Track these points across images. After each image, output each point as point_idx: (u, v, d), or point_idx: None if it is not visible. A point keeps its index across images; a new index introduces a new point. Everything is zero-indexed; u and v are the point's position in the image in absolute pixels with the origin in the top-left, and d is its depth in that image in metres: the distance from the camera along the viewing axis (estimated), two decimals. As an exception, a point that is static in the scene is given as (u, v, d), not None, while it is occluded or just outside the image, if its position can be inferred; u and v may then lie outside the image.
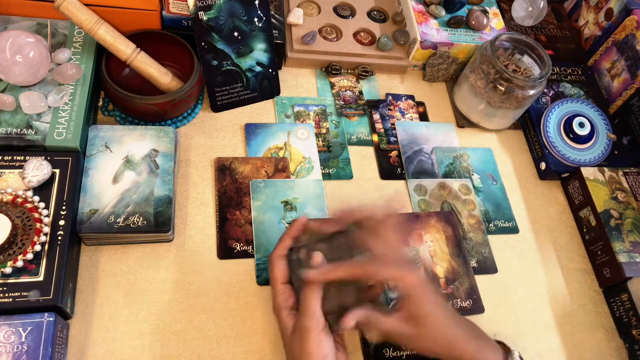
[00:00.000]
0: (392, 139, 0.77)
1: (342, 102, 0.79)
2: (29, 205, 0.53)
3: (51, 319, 0.49)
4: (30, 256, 0.50)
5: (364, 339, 0.60)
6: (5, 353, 0.46)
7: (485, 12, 0.85)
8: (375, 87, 0.83)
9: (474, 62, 0.78)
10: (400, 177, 0.74)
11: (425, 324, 0.49)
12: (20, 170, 0.55)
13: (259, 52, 0.72)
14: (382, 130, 0.78)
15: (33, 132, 0.58)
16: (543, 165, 0.79)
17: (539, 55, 0.78)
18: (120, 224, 0.57)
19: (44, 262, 0.51)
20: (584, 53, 0.93)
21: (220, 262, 0.62)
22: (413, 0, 0.85)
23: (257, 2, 0.68)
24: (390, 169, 0.74)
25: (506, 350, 0.52)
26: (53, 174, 0.56)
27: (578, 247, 0.74)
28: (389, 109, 0.80)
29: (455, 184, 0.74)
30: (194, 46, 0.67)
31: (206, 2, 0.65)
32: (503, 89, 0.74)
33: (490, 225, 0.72)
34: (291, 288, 0.53)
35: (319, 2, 0.84)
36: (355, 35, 0.83)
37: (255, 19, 0.69)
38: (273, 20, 0.76)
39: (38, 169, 0.54)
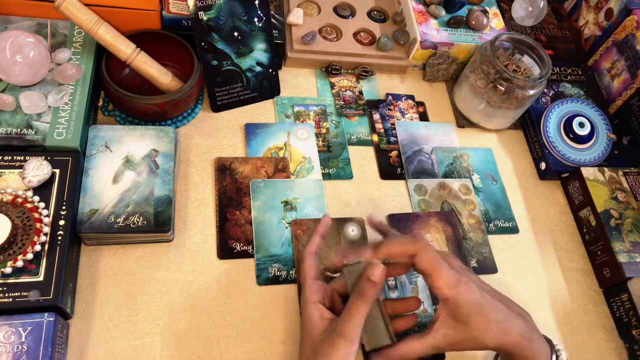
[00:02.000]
0: (392, 139, 0.77)
1: (342, 102, 0.79)
2: (29, 205, 0.53)
3: (51, 319, 0.49)
4: (30, 256, 0.50)
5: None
6: (5, 353, 0.46)
7: (485, 12, 0.85)
8: (375, 87, 0.83)
9: (474, 62, 0.78)
10: (400, 177, 0.74)
11: (473, 322, 0.49)
12: (20, 170, 0.55)
13: (259, 52, 0.72)
14: (382, 130, 0.78)
15: (33, 132, 0.58)
16: (543, 165, 0.79)
17: (539, 55, 0.78)
18: (120, 224, 0.57)
19: (44, 262, 0.51)
20: (584, 53, 0.93)
21: (220, 262, 0.62)
22: (413, 0, 0.85)
23: (257, 2, 0.68)
24: (390, 169, 0.74)
25: (552, 346, 0.52)
26: (53, 174, 0.56)
27: (578, 247, 0.74)
28: (389, 109, 0.80)
29: (455, 184, 0.74)
30: (194, 46, 0.67)
31: (206, 2, 0.65)
32: (503, 89, 0.74)
33: (490, 225, 0.72)
34: (321, 284, 0.53)
35: (319, 2, 0.84)
36: (355, 35, 0.83)
37: (255, 19, 0.69)
38: (273, 20, 0.76)
39: (38, 169, 0.54)
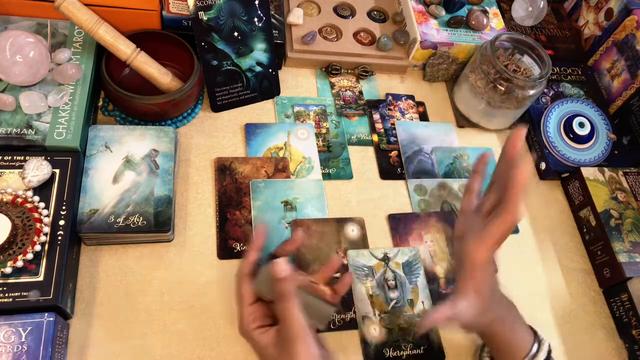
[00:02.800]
0: (392, 139, 0.77)
1: (342, 102, 0.79)
2: (29, 205, 0.53)
3: (51, 319, 0.49)
4: (30, 256, 0.50)
5: (363, 339, 0.60)
6: (5, 353, 0.46)
7: (485, 12, 0.85)
8: (375, 87, 0.83)
9: (474, 62, 0.78)
10: (400, 177, 0.74)
11: (486, 292, 0.51)
12: (20, 170, 0.55)
13: (259, 52, 0.72)
14: (382, 130, 0.78)
15: (33, 132, 0.58)
16: (543, 165, 0.79)
17: (539, 55, 0.78)
18: (120, 224, 0.57)
19: (44, 262, 0.51)
20: (584, 53, 0.93)
21: (220, 262, 0.62)
22: (413, 0, 0.85)
23: (257, 2, 0.68)
24: (390, 169, 0.74)
25: (535, 335, 0.54)
26: (53, 174, 0.56)
27: (578, 247, 0.74)
28: (389, 109, 0.80)
29: (455, 184, 0.74)
30: (194, 46, 0.67)
31: (206, 2, 0.65)
32: (503, 89, 0.74)
33: (490, 225, 0.72)
34: (259, 305, 0.51)
35: (319, 2, 0.84)
36: (355, 35, 0.83)
37: (255, 19, 0.69)
38: (273, 20, 0.76)
39: (38, 169, 0.54)
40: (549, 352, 0.53)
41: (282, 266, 0.48)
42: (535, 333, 0.54)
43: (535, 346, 0.52)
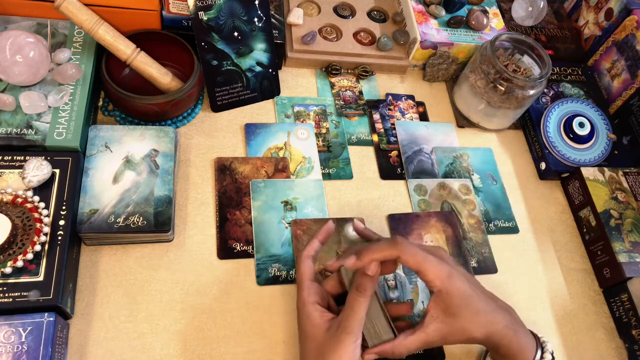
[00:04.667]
0: (392, 139, 0.77)
1: (342, 102, 0.79)
2: (29, 205, 0.53)
3: (51, 319, 0.49)
4: (30, 256, 0.50)
5: (363, 339, 0.60)
6: (5, 353, 0.46)
7: (485, 12, 0.85)
8: (375, 87, 0.83)
9: (474, 62, 0.78)
10: (400, 177, 0.74)
11: (462, 314, 0.50)
12: (20, 170, 0.55)
13: (259, 52, 0.72)
14: (382, 130, 0.78)
15: (33, 132, 0.58)
16: (543, 165, 0.79)
17: (539, 55, 0.78)
18: (120, 224, 0.57)
19: (44, 262, 0.51)
20: (584, 53, 0.93)
21: (220, 262, 0.62)
22: (413, 0, 0.85)
23: (257, 2, 0.68)
24: (390, 169, 0.74)
25: (537, 340, 0.54)
26: (53, 174, 0.56)
27: (578, 247, 0.74)
28: (389, 109, 0.80)
29: (455, 184, 0.74)
30: (194, 46, 0.67)
31: (206, 2, 0.65)
32: (503, 89, 0.74)
33: (490, 225, 0.72)
34: (318, 286, 0.54)
35: (319, 2, 0.84)
36: (355, 35, 0.83)
37: (255, 19, 0.69)
38: (273, 20, 0.76)
39: (38, 169, 0.54)
40: (552, 355, 0.53)
41: (374, 266, 0.50)
42: (536, 337, 0.54)
43: (539, 352, 0.52)
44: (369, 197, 0.71)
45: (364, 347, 0.52)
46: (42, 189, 0.55)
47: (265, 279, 0.61)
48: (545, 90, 0.85)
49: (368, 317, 0.51)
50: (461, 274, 0.52)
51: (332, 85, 0.80)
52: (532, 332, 0.55)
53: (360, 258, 0.51)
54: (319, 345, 0.49)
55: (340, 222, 0.67)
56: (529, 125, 0.83)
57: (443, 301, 0.50)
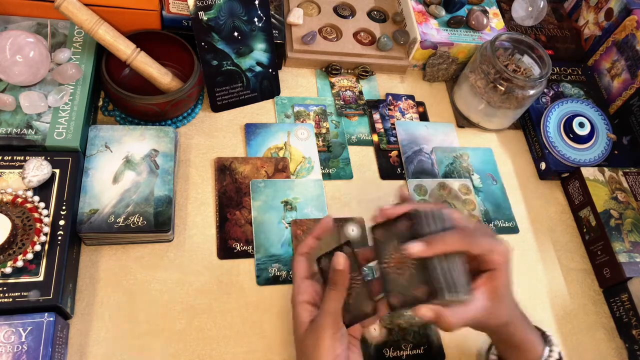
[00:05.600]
0: (392, 139, 0.77)
1: (342, 102, 0.79)
2: (29, 205, 0.53)
3: (51, 319, 0.49)
4: (30, 256, 0.50)
5: (363, 339, 0.60)
6: (5, 353, 0.46)
7: (485, 12, 0.85)
8: (375, 87, 0.83)
9: (474, 62, 0.78)
10: (400, 177, 0.74)
11: (504, 299, 0.49)
12: (20, 170, 0.55)
13: (259, 52, 0.72)
14: (382, 130, 0.78)
15: (33, 132, 0.58)
16: (543, 165, 0.79)
17: (539, 55, 0.78)
18: (120, 224, 0.57)
19: (44, 262, 0.51)
20: (584, 53, 0.93)
21: (220, 262, 0.62)
22: (413, 0, 0.85)
23: (257, 2, 0.68)
24: (390, 169, 0.74)
25: (544, 335, 0.54)
26: (53, 174, 0.56)
27: (578, 247, 0.74)
28: (389, 109, 0.80)
29: (455, 184, 0.74)
30: (194, 46, 0.67)
31: (206, 2, 0.65)
32: (503, 89, 0.74)
33: (490, 225, 0.72)
34: (311, 284, 0.53)
35: (319, 2, 0.84)
36: (355, 35, 0.83)
37: (255, 19, 0.69)
38: (273, 20, 0.76)
39: (38, 169, 0.54)
40: (560, 355, 0.52)
41: (342, 260, 0.49)
42: (544, 335, 0.54)
43: (547, 350, 0.52)
44: (369, 197, 0.71)
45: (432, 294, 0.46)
46: (42, 189, 0.55)
47: (265, 279, 0.61)
48: (545, 90, 0.85)
49: (451, 264, 0.45)
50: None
51: (332, 85, 0.80)
52: (541, 330, 0.54)
53: (431, 247, 0.45)
54: (302, 343, 0.50)
55: (341, 222, 0.67)
56: (529, 125, 0.83)
57: (496, 280, 0.48)
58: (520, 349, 0.52)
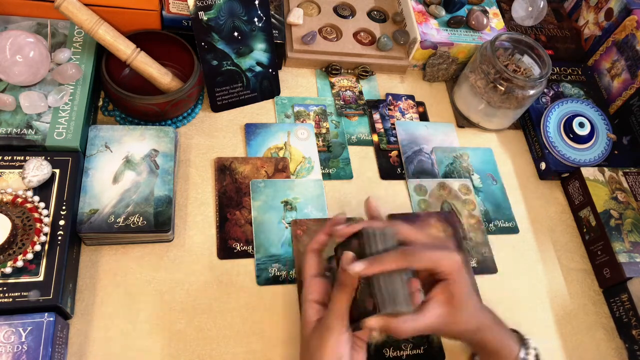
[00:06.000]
0: (392, 139, 0.77)
1: (342, 102, 0.79)
2: (29, 205, 0.53)
3: (51, 319, 0.49)
4: (30, 256, 0.50)
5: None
6: (5, 353, 0.46)
7: (485, 12, 0.85)
8: (375, 87, 0.83)
9: (474, 62, 0.78)
10: (400, 177, 0.74)
11: (462, 307, 0.50)
12: (20, 170, 0.55)
13: (259, 52, 0.72)
14: (382, 130, 0.78)
15: (33, 132, 0.58)
16: (543, 165, 0.79)
17: (539, 55, 0.78)
18: (120, 224, 0.57)
19: (44, 262, 0.51)
20: (584, 53, 0.93)
21: (220, 262, 0.62)
22: (413, 0, 0.85)
23: (257, 2, 0.68)
24: (390, 169, 0.74)
25: (520, 337, 0.54)
26: (53, 174, 0.56)
27: (578, 247, 0.74)
28: (389, 109, 0.80)
29: (455, 184, 0.74)
30: (194, 46, 0.67)
31: (206, 2, 0.65)
32: (503, 89, 0.74)
33: (490, 225, 0.72)
34: (320, 282, 0.53)
35: (319, 2, 0.84)
36: (355, 35, 0.83)
37: (255, 19, 0.69)
38: (273, 20, 0.76)
39: (38, 169, 0.54)
40: (536, 353, 0.53)
41: (350, 259, 0.49)
42: (517, 334, 0.54)
43: (523, 352, 0.52)
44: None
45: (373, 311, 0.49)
46: (42, 189, 0.55)
47: (265, 279, 0.61)
48: (545, 90, 0.85)
49: (390, 280, 0.48)
50: (468, 268, 0.52)
51: (332, 85, 0.80)
52: (516, 332, 0.55)
53: (371, 267, 0.48)
54: (307, 342, 0.50)
55: (340, 222, 0.67)
56: (529, 125, 0.83)
57: (450, 290, 0.50)
58: (499, 354, 0.52)
